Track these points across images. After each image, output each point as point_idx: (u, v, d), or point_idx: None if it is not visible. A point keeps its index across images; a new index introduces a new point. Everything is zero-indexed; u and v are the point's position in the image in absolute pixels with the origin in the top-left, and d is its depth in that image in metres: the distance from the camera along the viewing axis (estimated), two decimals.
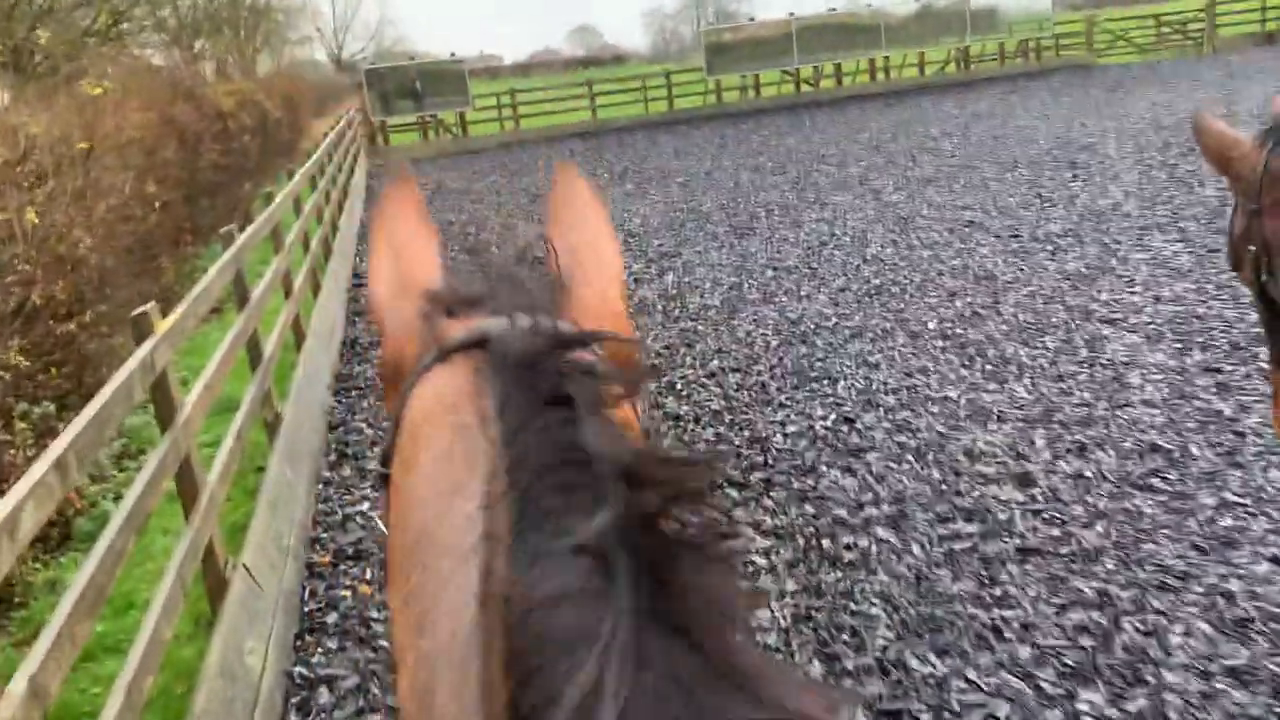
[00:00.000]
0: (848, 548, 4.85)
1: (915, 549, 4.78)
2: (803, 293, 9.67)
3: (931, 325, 8.17)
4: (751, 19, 30.35)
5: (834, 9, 30.82)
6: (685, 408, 6.95)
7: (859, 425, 6.31)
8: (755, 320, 8.93)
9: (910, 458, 5.76)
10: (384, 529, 0.81)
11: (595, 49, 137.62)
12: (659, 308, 9.71)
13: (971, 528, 4.91)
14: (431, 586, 0.63)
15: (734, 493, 5.55)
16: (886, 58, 30.93)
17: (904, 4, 30.91)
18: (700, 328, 8.87)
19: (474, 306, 0.82)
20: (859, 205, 13.84)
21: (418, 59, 31.38)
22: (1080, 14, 31.97)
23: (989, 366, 7.10)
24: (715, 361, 7.89)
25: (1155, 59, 31.96)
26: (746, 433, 6.40)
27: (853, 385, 7.03)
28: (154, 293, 11.01)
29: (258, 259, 11.59)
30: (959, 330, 7.96)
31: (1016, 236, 10.90)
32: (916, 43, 31.26)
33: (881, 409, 6.54)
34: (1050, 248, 10.24)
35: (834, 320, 8.63)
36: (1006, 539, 4.78)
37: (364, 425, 7.59)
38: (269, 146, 23.36)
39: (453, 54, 29.94)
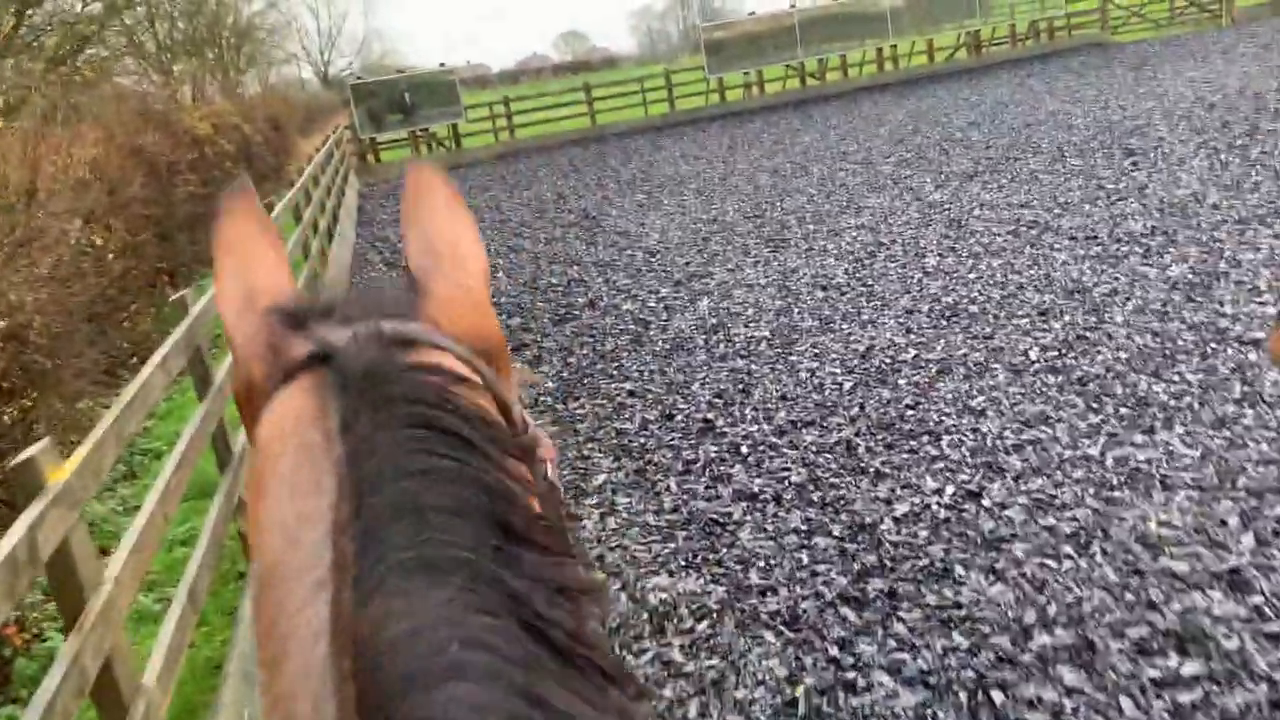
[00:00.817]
0: (1031, 704, 3.56)
1: (1125, 704, 3.49)
2: (864, 316, 8.39)
3: (1033, 355, 6.88)
4: (751, 13, 28.96)
5: None
6: (759, 481, 5.65)
7: (986, 501, 5.02)
8: (816, 354, 7.64)
9: (1070, 551, 4.47)
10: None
11: (584, 53, 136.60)
12: (699, 343, 8.42)
13: (1192, 665, 3.62)
14: (283, 623, 0.60)
15: (850, 614, 4.27)
16: (894, 46, 29.62)
17: None
18: (754, 367, 7.58)
19: (322, 317, 0.77)
20: (900, 208, 12.56)
21: (405, 71, 30.08)
22: None
23: (1123, 410, 5.81)
24: (782, 413, 6.59)
25: (1174, 34, 30.68)
26: (844, 517, 5.11)
27: (961, 442, 5.73)
28: (122, 350, 9.74)
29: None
30: (1069, 361, 6.67)
31: (1094, 238, 9.62)
32: (924, 29, 29.95)
33: (1008, 475, 5.25)
34: (1139, 250, 8.95)
35: (911, 352, 7.35)
36: (1249, 683, 3.49)
37: None
38: (253, 171, 22.11)
39: (441, 64, 28.63)
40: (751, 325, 8.65)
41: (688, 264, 11.42)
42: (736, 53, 28.37)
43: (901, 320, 8.11)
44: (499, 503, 0.62)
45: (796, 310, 8.88)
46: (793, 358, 7.66)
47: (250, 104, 23.91)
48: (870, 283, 9.39)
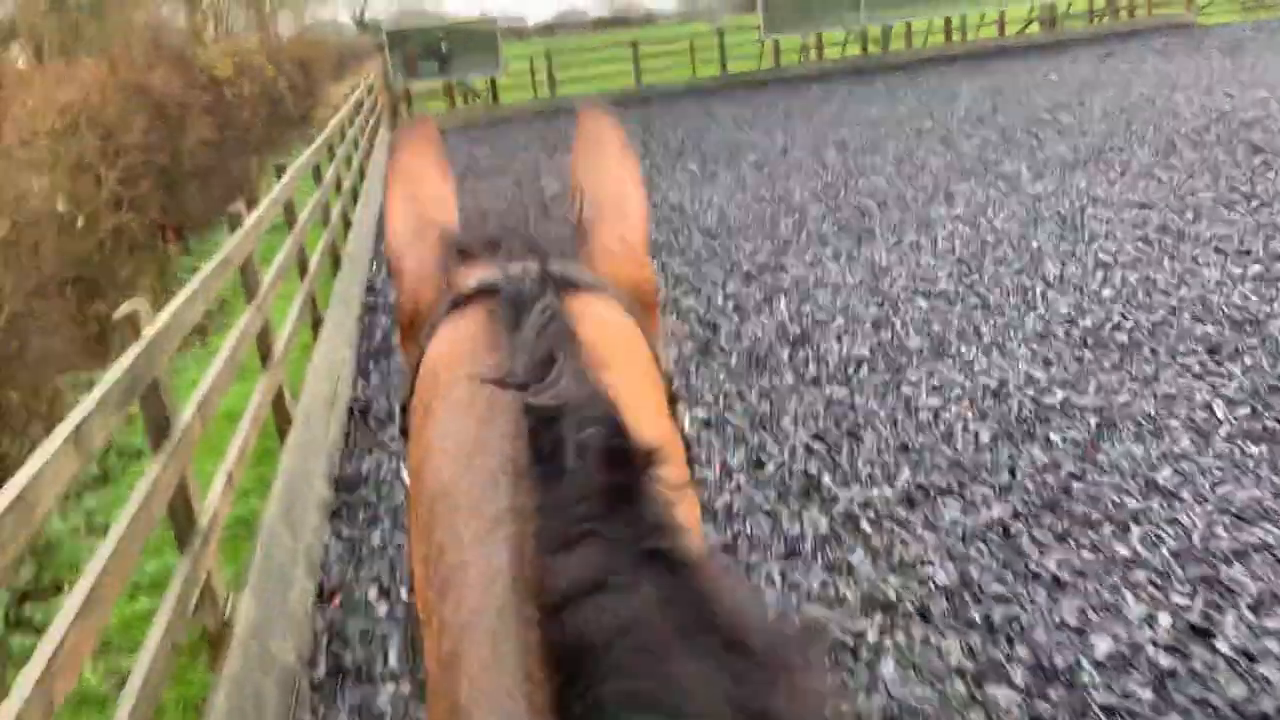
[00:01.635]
0: None
1: None
2: (984, 337, 6.97)
3: (1218, 411, 5.46)
4: None
5: None
6: (894, 580, 4.27)
7: (1222, 645, 3.64)
8: (935, 386, 6.25)
9: None
10: (406, 479, 0.80)
11: (622, 8, 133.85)
12: (783, 358, 7.03)
13: None
14: (454, 552, 0.62)
15: None
16: (964, 16, 27.81)
17: None
18: (858, 400, 6.19)
19: (490, 252, 0.80)
20: (997, 198, 11.07)
21: (445, 19, 28.51)
22: None
23: None
24: (905, 472, 5.21)
25: (1263, 18, 28.75)
26: (1023, 652, 3.74)
27: (1158, 539, 4.35)
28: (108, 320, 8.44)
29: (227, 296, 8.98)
30: (1270, 424, 5.25)
31: (1247, 253, 8.14)
32: (996, 0, 28.12)
33: (1240, 601, 3.87)
34: None
35: (1057, 393, 5.94)
36: None
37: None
38: (278, 116, 20.72)
39: (483, 13, 27.06)
40: (845, 340, 7.25)
41: (755, 253, 9.99)
42: (795, 14, 26.66)
43: (1035, 347, 6.69)
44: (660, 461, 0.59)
45: (898, 323, 7.46)
46: (905, 390, 6.26)
47: (278, 45, 22.44)
48: (982, 291, 7.95)
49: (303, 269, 7.93)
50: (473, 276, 0.78)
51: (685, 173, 15.11)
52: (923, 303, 7.89)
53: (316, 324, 7.77)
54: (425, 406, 0.73)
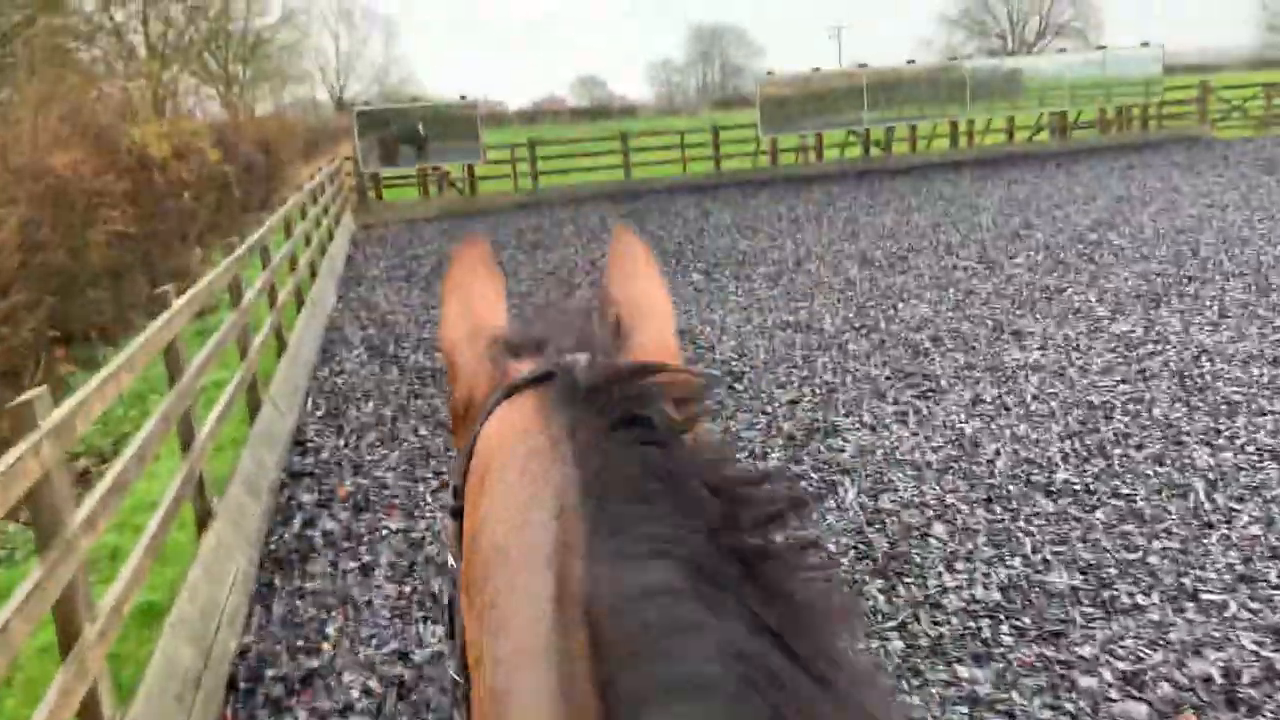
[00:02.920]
0: None
1: None
2: (1162, 577, 4.85)
3: None
4: (816, 69, 25.73)
5: (912, 61, 26.32)
6: None
7: None
8: (1131, 678, 4.09)
9: None
10: (453, 561, 0.84)
11: (602, 98, 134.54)
12: (873, 591, 4.86)
13: None
14: (507, 595, 0.63)
15: None
16: (970, 121, 26.39)
17: (995, 61, 26.49)
18: (1017, 700, 4.01)
19: (538, 348, 0.86)
20: (1077, 339, 9.09)
21: (419, 101, 26.75)
22: (1193, 79, 27.51)
23: None
24: None
25: (1277, 134, 27.56)
26: None
27: None
28: None
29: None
30: None
31: None
32: (1005, 106, 26.75)
33: None
34: None
35: None
36: None
37: None
38: (230, 202, 18.65)
39: (463, 96, 25.30)
40: (959, 568, 5.10)
41: (795, 403, 7.89)
42: (794, 112, 25.11)
43: (1248, 592, 4.56)
44: (718, 500, 0.61)
45: (1024, 537, 5.33)
46: (1076, 674, 4.09)
47: (233, 123, 20.50)
48: (1123, 489, 5.86)
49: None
50: (524, 368, 0.82)
51: (687, 285, 13.10)
52: (1044, 501, 5.78)
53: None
54: (478, 483, 0.75)
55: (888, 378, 8.42)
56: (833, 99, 25.24)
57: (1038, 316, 10.08)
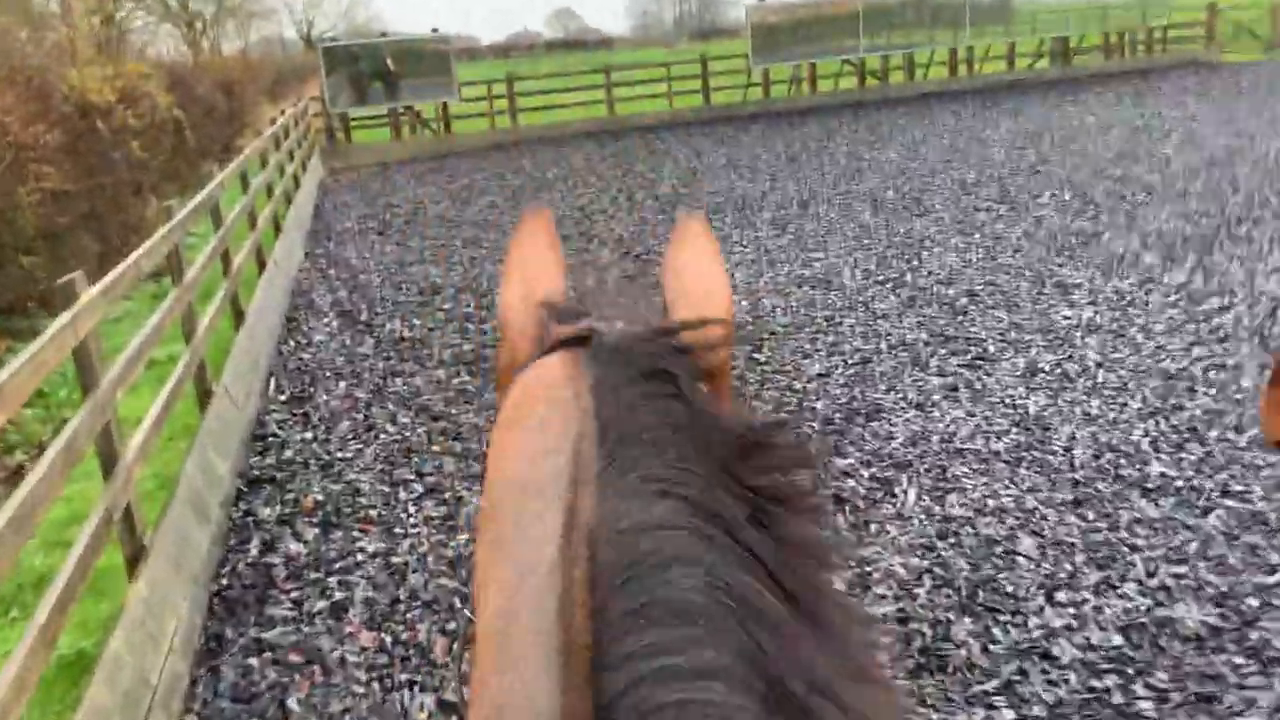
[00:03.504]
0: None
1: None
2: None
3: None
4: None
5: None
6: None
7: None
8: None
9: None
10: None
11: (576, 31, 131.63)
12: (960, 635, 3.95)
13: None
14: (516, 524, 0.64)
15: None
16: (970, 48, 25.13)
17: None
18: None
19: (584, 315, 0.86)
20: (1133, 295, 8.14)
21: (389, 36, 25.28)
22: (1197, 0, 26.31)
23: None
24: None
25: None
26: None
27: None
28: None
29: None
30: None
31: None
32: (1004, 32, 25.49)
33: None
34: None
35: None
36: None
37: None
38: (188, 149, 17.38)
39: (434, 29, 23.85)
40: (1061, 599, 4.17)
41: (824, 378, 6.94)
42: (786, 42, 23.81)
43: None
44: (728, 448, 0.63)
45: (1131, 554, 4.42)
46: None
47: (193, 64, 19.09)
48: (1233, 485, 4.95)
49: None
50: (567, 329, 0.82)
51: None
52: (1146, 506, 4.86)
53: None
54: (506, 422, 0.76)
55: (926, 343, 7.46)
56: (827, 27, 23.94)
57: (1079, 265, 9.11)
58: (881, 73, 24.91)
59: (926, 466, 5.46)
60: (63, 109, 10.27)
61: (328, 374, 7.79)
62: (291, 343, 8.66)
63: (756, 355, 7.49)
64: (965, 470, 5.39)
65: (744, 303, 8.91)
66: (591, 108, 24.36)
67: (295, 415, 6.89)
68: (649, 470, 0.59)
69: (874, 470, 5.47)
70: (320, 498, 5.58)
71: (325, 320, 9.36)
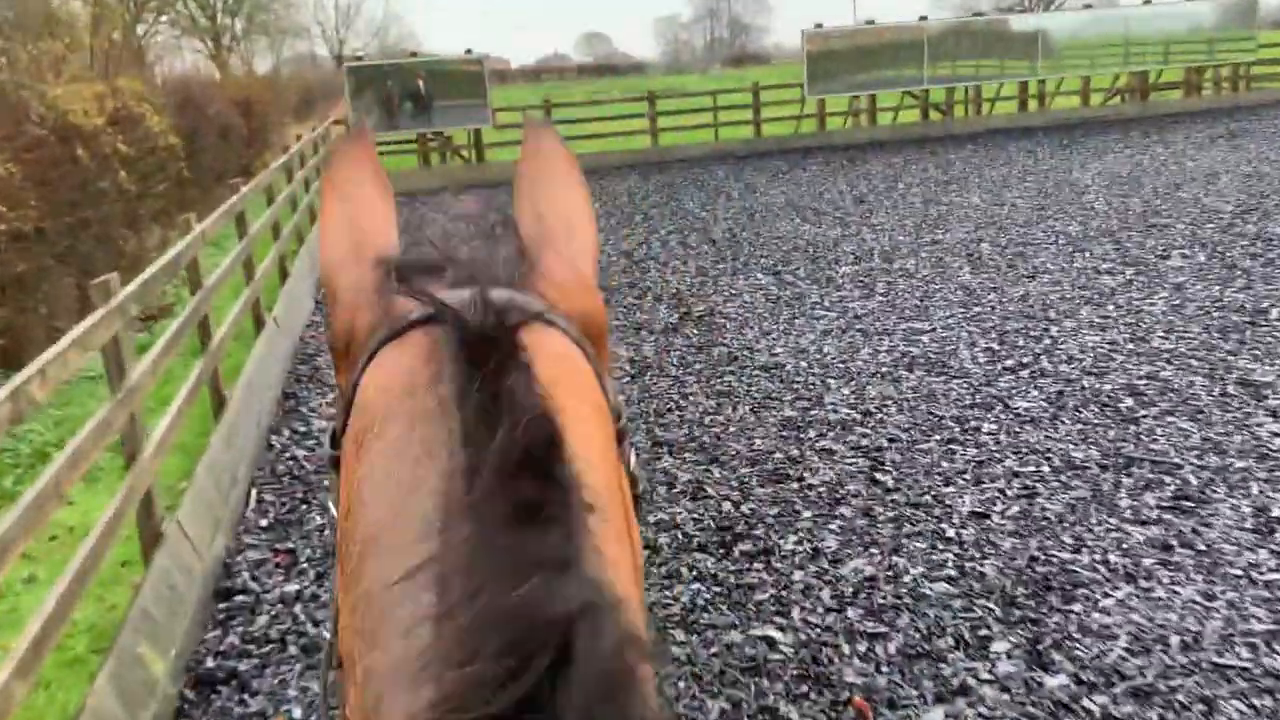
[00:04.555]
0: None
1: None
2: None
3: None
4: (870, 21, 22.72)
5: (980, 13, 23.26)
6: None
7: None
8: None
9: None
10: (333, 511, 0.79)
11: (605, 56, 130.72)
12: None
13: None
14: (383, 599, 0.59)
15: None
16: (1041, 83, 23.39)
17: (1072, 14, 23.48)
18: None
19: (430, 276, 0.78)
20: None
21: (419, 56, 23.80)
22: None
23: None
24: None
25: None
26: None
27: None
28: None
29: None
30: None
31: None
32: (1080, 65, 23.71)
33: None
34: None
35: None
36: None
37: None
38: (192, 175, 15.87)
39: (468, 50, 22.34)
40: None
41: (982, 518, 5.20)
42: (844, 69, 22.13)
43: None
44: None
45: None
46: None
47: (203, 82, 17.65)
48: None
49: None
50: (413, 303, 0.74)
51: (755, 291, 10.36)
52: None
53: None
54: (358, 442, 0.70)
55: (1103, 466, 5.71)
56: (888, 55, 22.25)
57: (1260, 355, 7.34)
58: (946, 105, 23.19)
59: (1185, 698, 3.71)
60: (33, 134, 8.72)
61: (327, 482, 6.12)
62: (285, 433, 6.98)
63: (879, 475, 5.76)
64: (1242, 709, 3.64)
65: (845, 390, 7.19)
66: (632, 138, 22.76)
67: (278, 554, 5.20)
68: (521, 552, 0.54)
69: (1103, 705, 3.72)
70: (298, 716, 3.87)
71: (331, 398, 7.70)
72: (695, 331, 9.04)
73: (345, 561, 0.66)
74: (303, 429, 7.05)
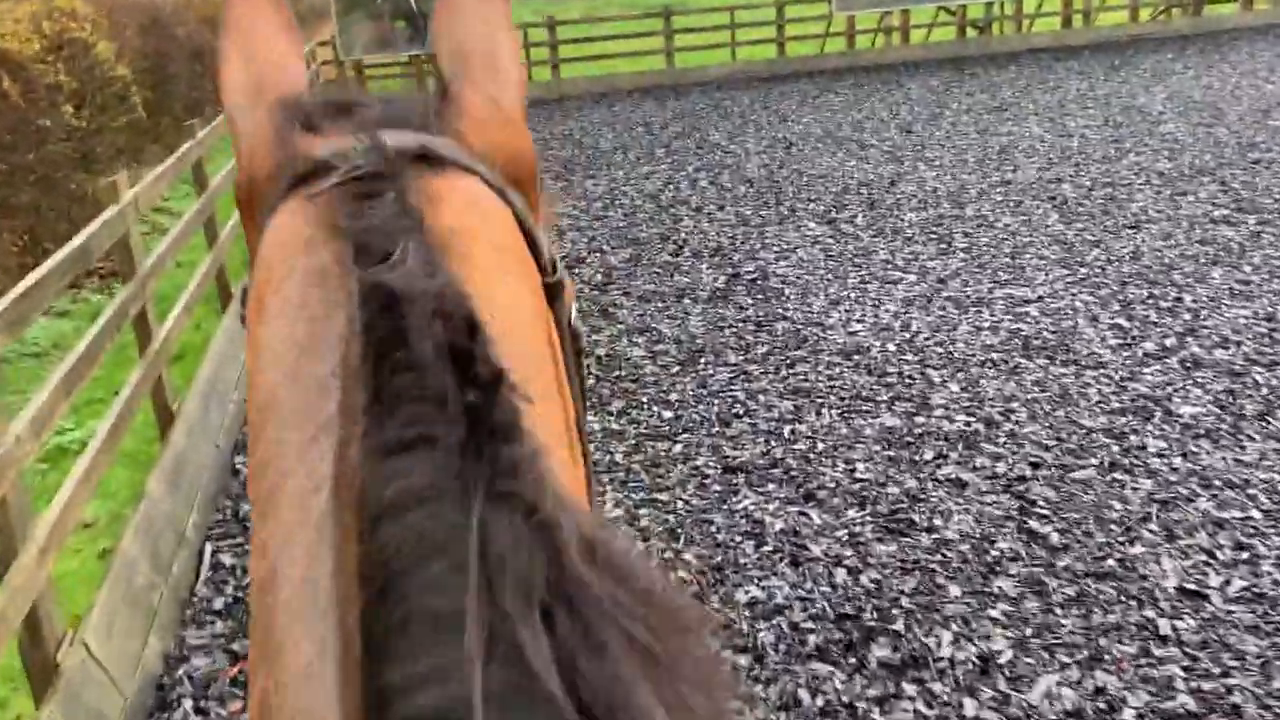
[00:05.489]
0: None
1: None
2: None
3: None
4: None
5: None
6: None
7: None
8: None
9: None
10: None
11: None
12: None
13: None
14: (278, 462, 0.57)
15: None
16: None
17: None
18: None
19: (337, 117, 0.74)
20: None
21: None
22: None
23: None
24: None
25: None
26: None
27: None
28: None
29: None
30: None
31: None
32: None
33: None
34: None
35: None
36: None
37: None
38: (163, 103, 14.23)
39: None
40: None
41: (1196, 597, 3.81)
42: None
43: None
44: (497, 379, 0.52)
45: None
46: None
47: (165, 2, 15.85)
48: None
49: None
50: (316, 148, 0.69)
51: (810, 243, 8.87)
52: None
53: None
54: (257, 303, 0.65)
55: None
56: None
57: None
58: (984, 22, 21.31)
59: None
60: None
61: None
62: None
63: (1034, 524, 4.35)
64: None
65: (953, 386, 5.77)
66: (643, 58, 20.90)
67: (237, 662, 3.78)
68: (411, 408, 0.49)
69: None
70: None
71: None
72: (749, 299, 7.58)
73: (250, 429, 0.61)
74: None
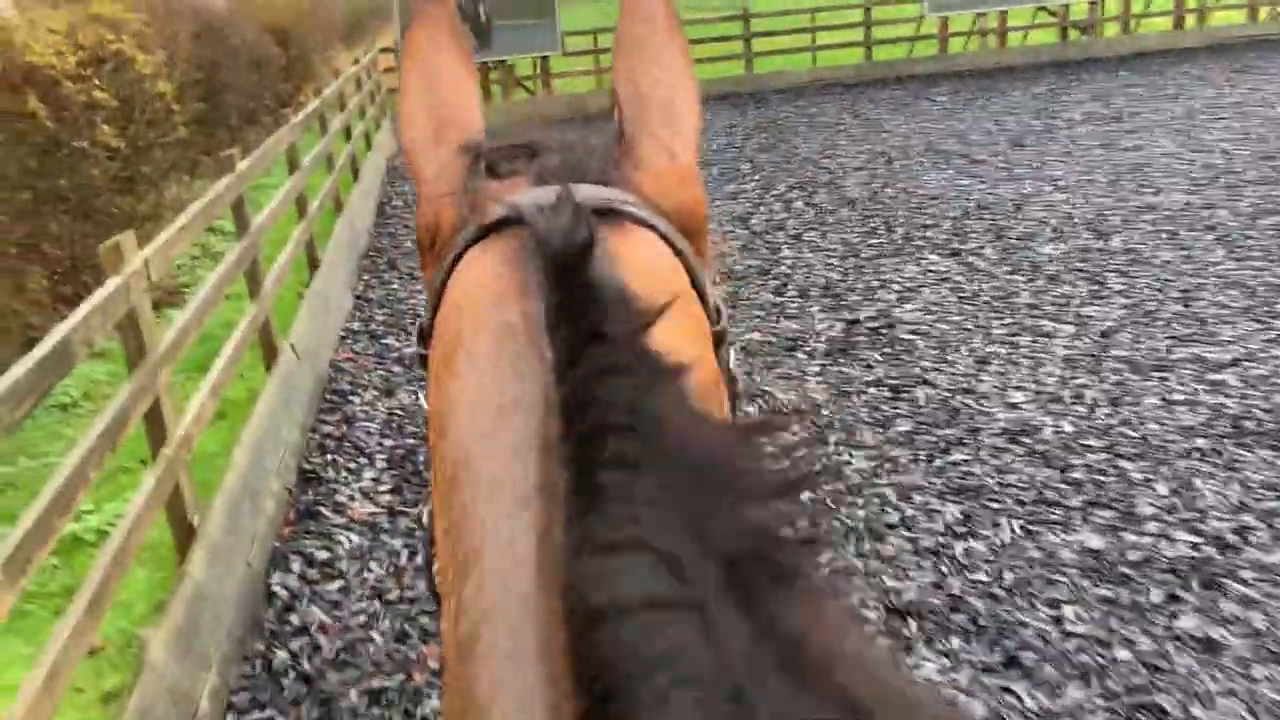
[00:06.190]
0: None
1: None
2: None
3: None
4: None
5: None
6: None
7: None
8: None
9: None
10: (424, 405, 0.75)
11: None
12: None
13: None
14: (475, 531, 0.56)
15: None
16: None
17: None
18: None
19: (517, 164, 0.75)
20: None
21: None
22: None
23: None
24: None
25: None
26: None
27: None
28: None
29: None
30: None
31: None
32: None
33: None
34: None
35: None
36: None
37: None
38: (216, 116, 13.44)
39: None
40: None
41: None
42: None
43: None
44: (723, 493, 0.49)
45: None
46: None
47: (222, 7, 15.09)
48: None
49: None
50: (499, 199, 0.70)
51: (935, 280, 7.72)
52: None
53: None
54: (446, 353, 0.66)
55: None
56: None
57: None
58: (1089, 23, 19.85)
59: None
60: None
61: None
62: (296, 568, 4.52)
63: None
64: None
65: (1159, 488, 4.58)
66: (721, 64, 19.74)
67: None
68: (627, 508, 0.47)
69: None
70: None
71: (368, 467, 5.22)
72: (876, 354, 6.44)
73: (437, 482, 0.62)
74: (326, 554, 4.58)
